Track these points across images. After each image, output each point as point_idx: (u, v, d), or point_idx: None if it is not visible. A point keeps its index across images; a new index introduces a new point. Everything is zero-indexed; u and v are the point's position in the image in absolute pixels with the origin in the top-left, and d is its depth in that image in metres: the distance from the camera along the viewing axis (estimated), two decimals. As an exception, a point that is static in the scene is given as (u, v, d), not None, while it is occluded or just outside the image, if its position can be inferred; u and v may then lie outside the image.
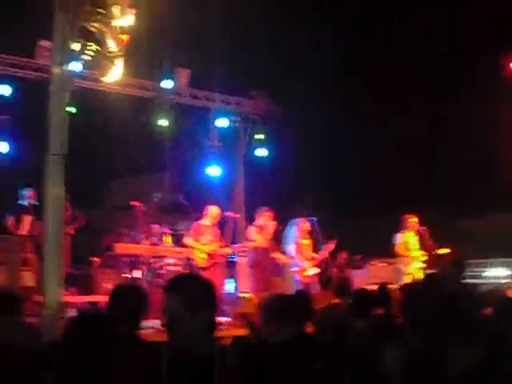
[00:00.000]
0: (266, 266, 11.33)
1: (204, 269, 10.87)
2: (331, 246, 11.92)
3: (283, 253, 11.66)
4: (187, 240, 11.21)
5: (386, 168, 18.66)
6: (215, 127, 14.62)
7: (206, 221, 11.26)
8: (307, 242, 11.53)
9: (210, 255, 10.97)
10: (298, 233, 11.46)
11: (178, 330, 3.06)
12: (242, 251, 12.75)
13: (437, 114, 18.24)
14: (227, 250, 11.42)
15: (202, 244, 11.00)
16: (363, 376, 4.07)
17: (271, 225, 11.46)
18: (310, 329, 5.00)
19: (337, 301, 7.21)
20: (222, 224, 12.91)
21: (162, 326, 3.17)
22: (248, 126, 14.71)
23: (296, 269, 11.37)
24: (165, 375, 3.07)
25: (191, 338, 3.05)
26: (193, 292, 3.11)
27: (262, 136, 14.49)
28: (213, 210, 11.33)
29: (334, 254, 12.98)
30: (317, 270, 11.59)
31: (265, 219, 11.52)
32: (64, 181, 8.19)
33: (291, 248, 11.41)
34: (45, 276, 8.62)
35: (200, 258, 10.94)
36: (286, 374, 3.67)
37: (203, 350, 3.05)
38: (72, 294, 11.46)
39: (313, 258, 11.59)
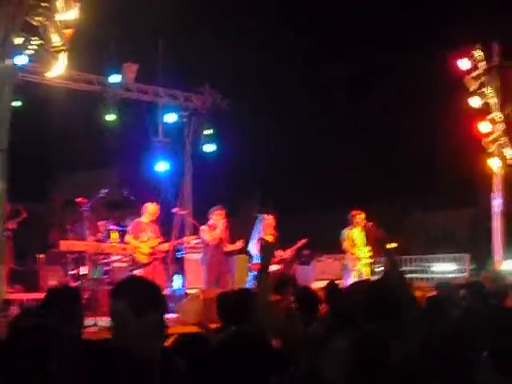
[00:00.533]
0: (217, 264, 11.33)
1: (145, 265, 10.89)
2: (300, 243, 11.98)
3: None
4: (127, 237, 11.21)
5: (337, 163, 18.82)
6: (163, 122, 14.54)
7: (145, 218, 11.24)
8: (271, 237, 11.52)
9: (150, 252, 10.99)
10: (261, 229, 11.47)
11: (126, 333, 3.04)
12: (191, 247, 12.71)
13: (388, 110, 18.46)
14: (165, 246, 11.41)
15: (142, 241, 10.99)
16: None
17: (222, 222, 11.42)
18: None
19: (277, 298, 7.13)
20: (169, 220, 12.86)
21: (110, 329, 3.15)
22: (196, 122, 14.63)
23: (255, 263, 11.38)
24: (105, 376, 3.05)
25: (138, 340, 3.03)
26: (139, 296, 3.09)
27: (210, 131, 14.43)
28: (150, 208, 11.31)
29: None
30: (277, 267, 11.60)
31: (216, 218, 11.49)
32: (5, 176, 8.04)
33: (254, 243, 11.42)
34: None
35: (141, 254, 10.94)
36: (225, 375, 3.67)
37: (148, 352, 3.04)
38: (16, 291, 11.30)
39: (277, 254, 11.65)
